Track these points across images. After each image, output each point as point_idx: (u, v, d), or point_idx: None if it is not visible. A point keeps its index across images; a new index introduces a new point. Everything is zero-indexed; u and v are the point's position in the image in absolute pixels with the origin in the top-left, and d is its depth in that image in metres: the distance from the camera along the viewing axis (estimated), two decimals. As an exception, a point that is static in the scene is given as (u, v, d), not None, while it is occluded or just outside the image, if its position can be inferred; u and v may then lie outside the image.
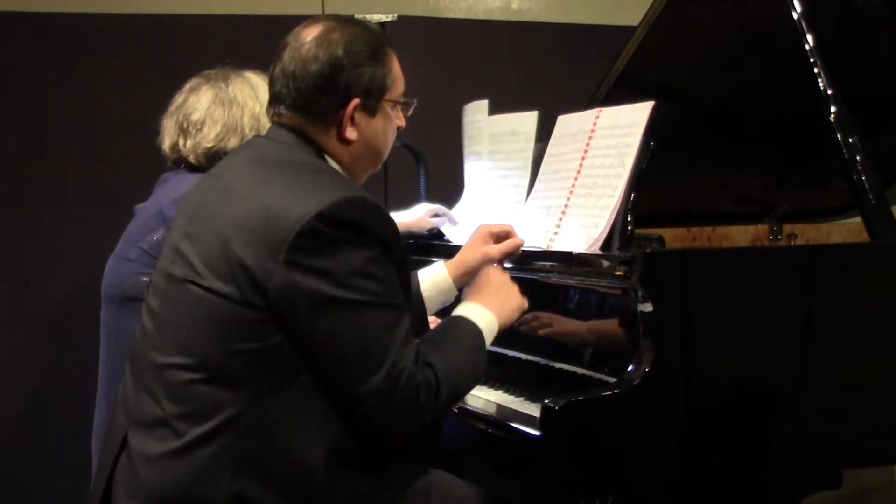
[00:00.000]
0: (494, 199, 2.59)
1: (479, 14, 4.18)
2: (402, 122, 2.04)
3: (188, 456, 1.76)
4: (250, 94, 2.55)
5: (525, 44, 3.99)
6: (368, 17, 3.78)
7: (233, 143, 2.52)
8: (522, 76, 3.90)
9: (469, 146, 2.74)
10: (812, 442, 2.09)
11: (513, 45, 3.98)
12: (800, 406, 2.08)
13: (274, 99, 1.95)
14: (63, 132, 3.53)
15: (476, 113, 2.71)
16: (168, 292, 1.88)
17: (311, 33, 1.92)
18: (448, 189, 2.77)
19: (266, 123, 2.14)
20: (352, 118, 1.91)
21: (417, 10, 4.04)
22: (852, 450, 2.13)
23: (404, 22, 3.82)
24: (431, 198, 2.92)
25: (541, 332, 2.25)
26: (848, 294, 2.14)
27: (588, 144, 2.30)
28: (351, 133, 1.92)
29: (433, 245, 2.70)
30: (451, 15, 4.13)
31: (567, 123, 2.43)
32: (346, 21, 1.96)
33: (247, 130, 2.52)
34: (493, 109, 2.79)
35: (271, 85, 1.96)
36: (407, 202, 3.05)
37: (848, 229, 3.05)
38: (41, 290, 3.51)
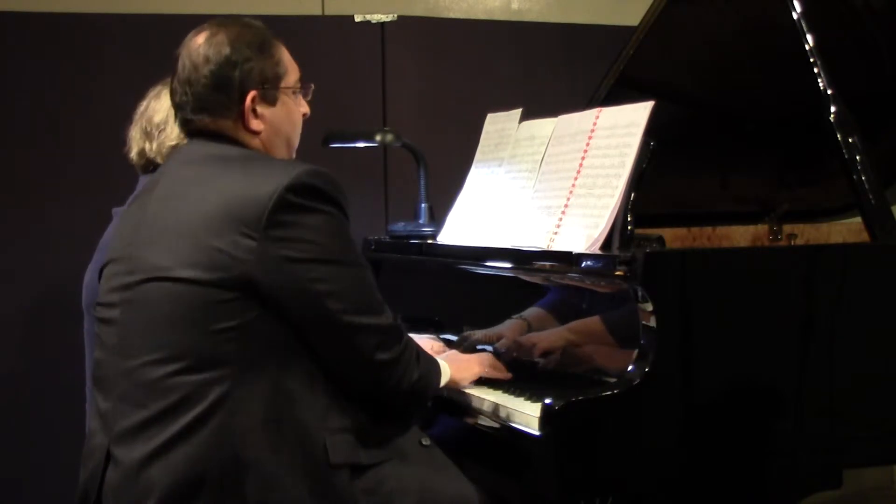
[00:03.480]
0: (499, 199, 2.57)
1: (479, 14, 4.18)
2: (306, 109, 2.11)
3: (186, 441, 1.78)
4: None
5: (525, 44, 3.98)
6: (368, 17, 3.78)
7: None
8: (522, 76, 3.89)
9: (493, 153, 2.68)
10: (812, 442, 2.09)
11: (513, 45, 3.97)
12: (800, 406, 2.08)
13: (177, 109, 2.03)
14: (62, 132, 3.53)
15: (509, 121, 2.68)
16: (127, 300, 1.90)
17: (198, 40, 2.00)
18: (448, 189, 2.77)
19: None
20: (254, 110, 1.99)
21: (417, 10, 4.04)
22: (852, 450, 2.13)
23: (404, 22, 3.82)
24: (431, 198, 2.92)
25: (541, 359, 2.26)
26: (848, 294, 2.13)
27: (588, 144, 2.30)
28: (257, 124, 2.00)
29: (433, 245, 2.70)
30: (451, 15, 4.13)
31: (567, 123, 2.43)
32: (231, 20, 2.04)
33: None
34: (493, 109, 2.78)
35: (172, 96, 2.04)
36: (407, 202, 3.04)
37: (848, 229, 3.05)
38: (42, 288, 3.50)
